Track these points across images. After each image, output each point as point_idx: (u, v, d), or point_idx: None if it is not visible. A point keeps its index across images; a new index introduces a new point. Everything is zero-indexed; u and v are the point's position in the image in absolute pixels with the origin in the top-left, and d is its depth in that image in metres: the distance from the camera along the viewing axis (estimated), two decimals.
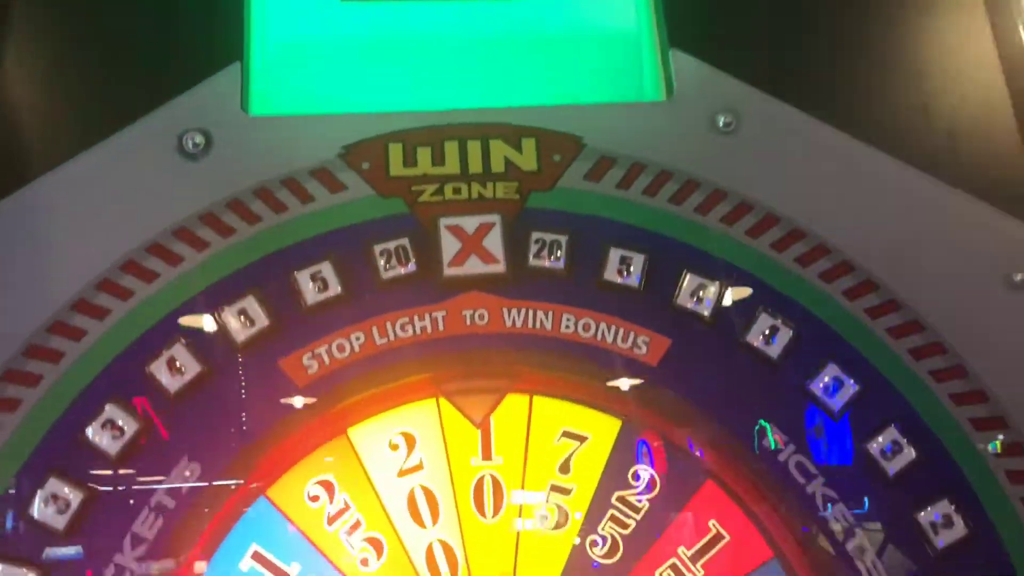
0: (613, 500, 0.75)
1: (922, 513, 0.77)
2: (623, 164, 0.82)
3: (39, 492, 0.70)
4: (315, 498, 0.74)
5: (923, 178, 0.86)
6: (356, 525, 0.74)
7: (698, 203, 0.82)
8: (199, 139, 0.80)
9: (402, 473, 0.75)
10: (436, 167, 0.82)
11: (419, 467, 0.75)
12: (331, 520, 0.74)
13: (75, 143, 0.79)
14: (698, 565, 0.75)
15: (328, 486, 0.74)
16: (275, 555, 0.72)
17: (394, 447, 0.75)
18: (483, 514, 0.74)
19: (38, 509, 0.70)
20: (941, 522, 0.77)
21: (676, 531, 0.75)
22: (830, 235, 0.82)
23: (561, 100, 0.86)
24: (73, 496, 0.71)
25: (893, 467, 0.78)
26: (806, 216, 0.82)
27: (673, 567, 0.74)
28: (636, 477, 0.76)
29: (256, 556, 0.72)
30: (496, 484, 0.75)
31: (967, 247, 0.83)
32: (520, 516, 0.75)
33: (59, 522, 0.70)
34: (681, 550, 0.75)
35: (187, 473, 0.72)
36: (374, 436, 0.75)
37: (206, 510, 0.72)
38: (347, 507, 0.74)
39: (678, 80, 0.86)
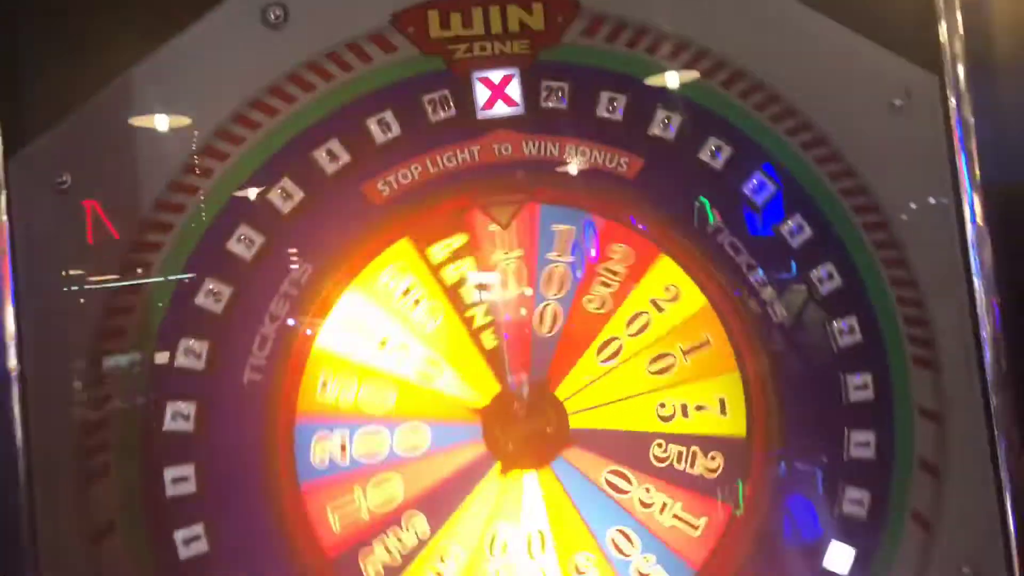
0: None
1: (813, 271, 1.11)
2: (611, 22, 1.06)
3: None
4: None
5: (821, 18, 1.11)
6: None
7: (667, 52, 1.08)
8: (279, 12, 1.01)
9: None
10: (466, 29, 1.04)
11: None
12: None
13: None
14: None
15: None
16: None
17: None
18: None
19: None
20: (827, 276, 1.11)
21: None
22: (763, 75, 1.09)
23: None
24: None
25: (796, 242, 1.11)
26: (761, 71, 1.08)
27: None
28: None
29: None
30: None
31: (859, 78, 1.11)
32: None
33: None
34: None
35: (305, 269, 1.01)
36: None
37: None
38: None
39: None
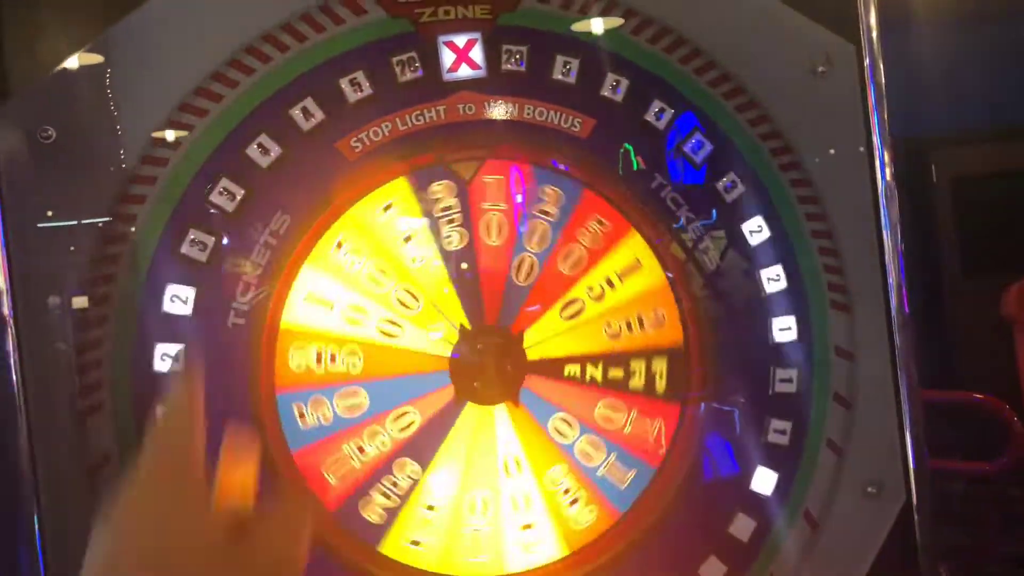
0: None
1: (744, 224, 1.23)
2: None
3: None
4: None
5: None
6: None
7: (618, 17, 1.17)
8: None
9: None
10: None
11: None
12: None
13: None
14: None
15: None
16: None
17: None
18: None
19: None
20: (757, 229, 1.24)
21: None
22: (705, 44, 1.19)
23: None
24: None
25: (730, 197, 1.23)
26: (698, 36, 1.18)
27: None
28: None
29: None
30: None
31: (786, 45, 1.23)
32: None
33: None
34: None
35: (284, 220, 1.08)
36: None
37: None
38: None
39: None
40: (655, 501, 1.17)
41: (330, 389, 1.10)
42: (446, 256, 1.14)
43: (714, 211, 1.22)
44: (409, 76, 1.11)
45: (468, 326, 1.14)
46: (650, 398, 1.18)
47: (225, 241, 1.07)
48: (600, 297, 1.18)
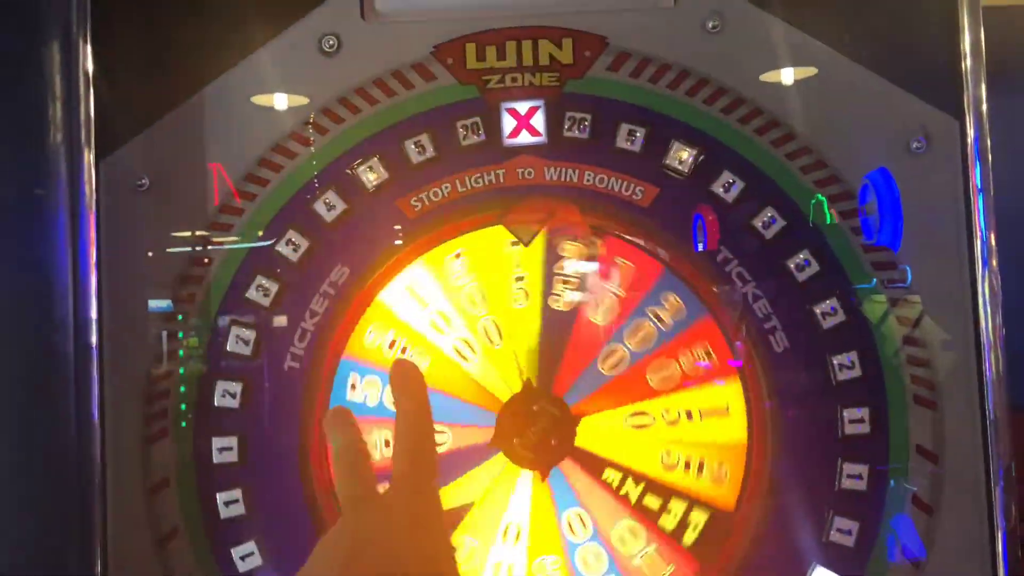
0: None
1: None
2: (635, 58, 1.14)
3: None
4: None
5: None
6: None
7: (687, 88, 1.14)
8: (333, 41, 1.13)
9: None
10: (500, 61, 1.14)
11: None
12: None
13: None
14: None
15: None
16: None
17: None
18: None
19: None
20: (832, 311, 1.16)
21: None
22: (784, 114, 1.14)
23: (591, 6, 1.15)
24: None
25: (802, 277, 1.16)
26: (769, 99, 1.14)
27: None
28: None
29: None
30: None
31: (875, 119, 1.15)
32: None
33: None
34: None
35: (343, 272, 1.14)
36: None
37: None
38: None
39: None
40: None
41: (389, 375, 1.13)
42: (547, 312, 1.16)
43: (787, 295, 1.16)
44: (472, 140, 1.14)
45: (534, 383, 1.15)
46: (673, 542, 1.13)
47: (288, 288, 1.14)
48: (674, 423, 1.14)
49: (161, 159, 1.13)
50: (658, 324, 1.15)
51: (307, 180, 1.14)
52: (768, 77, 1.14)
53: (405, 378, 0.81)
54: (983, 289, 1.12)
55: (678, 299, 1.15)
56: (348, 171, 1.14)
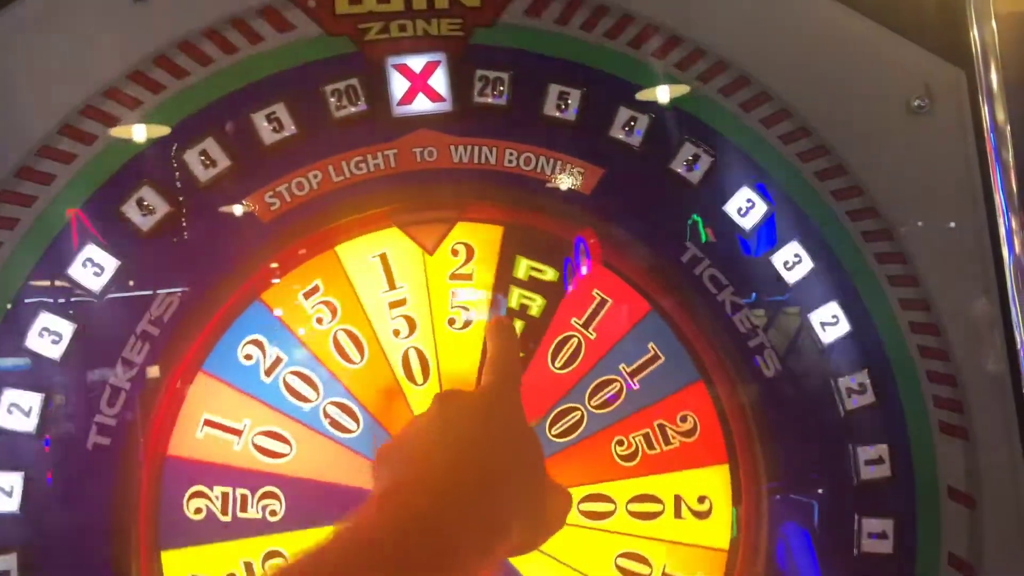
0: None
1: (816, 312, 0.90)
2: None
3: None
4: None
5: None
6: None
7: (632, 37, 0.87)
8: None
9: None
10: (381, 4, 0.84)
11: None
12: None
13: None
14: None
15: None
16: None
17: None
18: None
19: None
20: (831, 320, 0.90)
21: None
22: (751, 68, 0.88)
23: None
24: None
25: (793, 277, 0.90)
26: (729, 50, 0.88)
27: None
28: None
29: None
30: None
31: (870, 72, 0.91)
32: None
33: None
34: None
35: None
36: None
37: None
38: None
39: None
40: None
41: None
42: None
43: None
44: (349, 111, 0.83)
45: None
46: None
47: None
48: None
49: None
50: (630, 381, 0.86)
51: (112, 174, 0.80)
52: (738, 25, 0.89)
53: (500, 326, 0.82)
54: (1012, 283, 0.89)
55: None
56: (172, 159, 0.80)
